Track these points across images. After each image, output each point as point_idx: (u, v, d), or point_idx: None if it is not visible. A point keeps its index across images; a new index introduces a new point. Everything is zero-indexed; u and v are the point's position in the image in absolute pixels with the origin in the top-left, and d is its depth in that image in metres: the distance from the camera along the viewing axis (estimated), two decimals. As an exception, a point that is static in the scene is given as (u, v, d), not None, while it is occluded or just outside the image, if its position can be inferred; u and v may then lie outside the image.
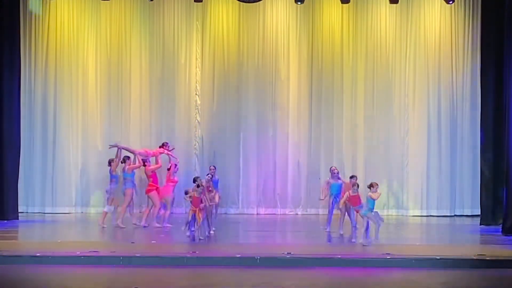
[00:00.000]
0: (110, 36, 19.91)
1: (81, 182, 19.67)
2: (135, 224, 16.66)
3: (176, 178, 16.94)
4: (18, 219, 17.74)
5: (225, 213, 19.23)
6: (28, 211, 19.32)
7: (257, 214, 19.80)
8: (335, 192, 15.89)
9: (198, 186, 14.87)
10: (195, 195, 14.60)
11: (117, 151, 16.89)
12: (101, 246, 13.35)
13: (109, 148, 17.46)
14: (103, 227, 16.36)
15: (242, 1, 19.07)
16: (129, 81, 19.90)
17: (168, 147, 17.65)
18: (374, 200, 14.15)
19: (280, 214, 19.79)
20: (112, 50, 19.90)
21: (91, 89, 19.84)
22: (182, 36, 20.02)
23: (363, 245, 13.80)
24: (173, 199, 17.07)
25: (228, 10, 20.02)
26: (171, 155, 17.55)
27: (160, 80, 19.98)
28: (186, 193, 14.96)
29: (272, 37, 20.06)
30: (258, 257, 12.36)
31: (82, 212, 19.55)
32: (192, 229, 14.85)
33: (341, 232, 15.41)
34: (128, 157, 16.81)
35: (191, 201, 14.66)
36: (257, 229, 17.39)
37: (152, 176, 16.86)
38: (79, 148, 19.72)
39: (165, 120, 19.93)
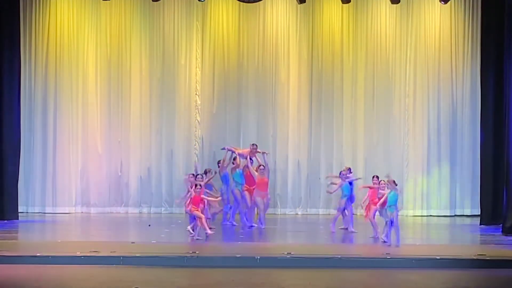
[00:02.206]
0: (110, 36, 19.89)
1: (81, 182, 19.66)
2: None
3: (265, 178, 16.76)
4: (18, 219, 17.71)
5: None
6: (28, 211, 19.28)
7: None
8: (348, 193, 15.90)
9: (195, 185, 14.90)
10: (195, 194, 14.65)
11: (227, 153, 17.03)
12: (101, 246, 13.34)
13: (221, 149, 17.61)
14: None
15: (242, 1, 19.07)
16: (129, 81, 19.89)
17: (255, 147, 17.47)
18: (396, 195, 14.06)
19: (280, 214, 19.79)
20: (112, 50, 19.89)
21: (91, 89, 19.83)
22: (182, 36, 20.01)
23: (384, 241, 13.84)
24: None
25: (228, 10, 20.01)
26: (262, 152, 17.44)
27: (160, 80, 19.96)
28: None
29: (272, 37, 20.05)
30: (258, 257, 12.35)
31: (82, 212, 19.55)
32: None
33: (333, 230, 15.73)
34: (235, 158, 17.02)
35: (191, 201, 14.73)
36: (257, 229, 17.38)
37: (245, 177, 16.84)
38: (79, 147, 19.70)
39: (165, 120, 19.93)
